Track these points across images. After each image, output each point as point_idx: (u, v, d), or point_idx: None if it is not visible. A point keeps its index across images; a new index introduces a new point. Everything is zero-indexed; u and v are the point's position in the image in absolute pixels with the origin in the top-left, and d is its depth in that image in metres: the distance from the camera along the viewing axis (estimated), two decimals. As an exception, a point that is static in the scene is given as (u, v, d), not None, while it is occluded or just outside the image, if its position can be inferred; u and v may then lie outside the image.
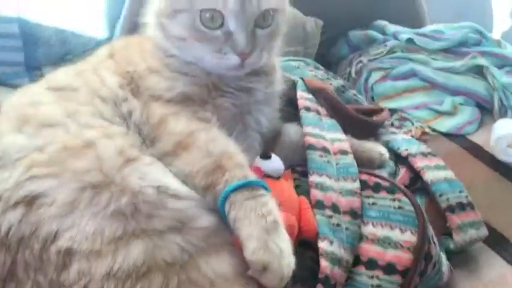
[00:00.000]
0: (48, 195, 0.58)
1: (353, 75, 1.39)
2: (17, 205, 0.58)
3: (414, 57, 1.40)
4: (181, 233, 0.60)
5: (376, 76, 1.36)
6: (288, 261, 0.59)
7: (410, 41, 1.43)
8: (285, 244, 0.60)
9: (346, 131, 0.94)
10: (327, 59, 1.53)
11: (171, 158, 0.68)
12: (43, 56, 1.14)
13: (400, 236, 0.72)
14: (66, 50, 1.13)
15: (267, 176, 0.71)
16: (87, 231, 0.57)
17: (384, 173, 0.90)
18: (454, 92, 1.34)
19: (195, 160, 0.66)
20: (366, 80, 1.36)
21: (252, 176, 0.66)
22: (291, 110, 0.97)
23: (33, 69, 1.13)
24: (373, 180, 0.80)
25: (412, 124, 1.26)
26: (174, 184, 0.64)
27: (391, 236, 0.72)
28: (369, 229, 0.74)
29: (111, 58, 0.81)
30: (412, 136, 1.18)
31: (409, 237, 0.72)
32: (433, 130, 1.25)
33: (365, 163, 0.88)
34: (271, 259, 0.58)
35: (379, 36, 1.47)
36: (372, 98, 1.34)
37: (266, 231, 0.59)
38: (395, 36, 1.46)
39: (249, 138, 0.83)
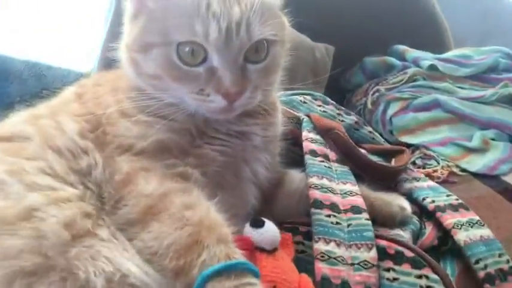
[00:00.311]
0: None
1: (369, 106, 1.25)
2: None
3: (437, 85, 1.27)
4: None
5: (395, 107, 1.22)
6: None
7: (433, 67, 1.30)
8: None
9: (360, 178, 0.80)
10: (341, 87, 1.39)
11: (137, 228, 0.54)
12: (16, 91, 1.03)
13: (429, 326, 0.57)
14: (42, 85, 1.02)
15: (259, 248, 0.57)
16: None
17: (407, 232, 0.75)
18: (484, 125, 1.21)
19: (166, 232, 0.52)
20: (384, 111, 1.23)
21: (238, 254, 0.52)
22: (296, 151, 0.84)
23: (6, 107, 1.02)
24: (394, 248, 0.65)
25: (438, 163, 1.11)
26: (135, 270, 0.50)
27: (418, 324, 0.57)
28: (389, 313, 0.59)
29: (79, 99, 0.69)
30: (438, 178, 1.04)
31: (441, 327, 0.56)
32: (462, 170, 1.10)
33: (384, 220, 0.74)
34: None
35: (398, 62, 1.34)
36: (391, 132, 1.20)
37: None
38: (416, 62, 1.32)
39: (243, 192, 0.70)
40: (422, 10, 1.48)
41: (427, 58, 1.31)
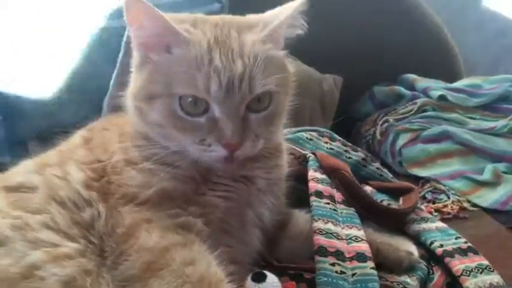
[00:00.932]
0: None
1: (378, 136, 1.24)
2: None
3: (448, 116, 1.25)
4: None
5: (404, 138, 1.21)
6: None
7: (442, 97, 1.28)
8: None
9: (366, 219, 0.79)
10: (349, 116, 1.38)
11: (137, 285, 0.54)
12: (26, 130, 1.04)
13: None
14: (52, 123, 1.03)
15: None
16: None
17: (414, 279, 0.73)
18: (496, 157, 1.18)
19: None
20: (393, 142, 1.22)
21: None
22: (302, 189, 0.83)
23: (16, 145, 1.03)
24: (399, 299, 0.64)
25: (448, 198, 1.09)
26: None
27: None
28: None
29: (86, 144, 0.69)
30: (448, 213, 1.02)
31: None
32: (473, 205, 1.08)
33: (391, 265, 0.73)
34: None
35: (407, 92, 1.33)
36: (400, 164, 1.19)
37: None
38: (425, 92, 1.31)
39: (248, 237, 0.69)
40: (432, 38, 1.47)
41: (436, 88, 1.30)
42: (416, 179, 1.15)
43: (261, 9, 0.69)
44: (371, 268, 0.67)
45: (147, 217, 0.59)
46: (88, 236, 0.57)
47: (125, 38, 1.00)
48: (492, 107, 1.31)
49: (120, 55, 0.97)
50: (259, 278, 0.58)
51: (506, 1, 1.90)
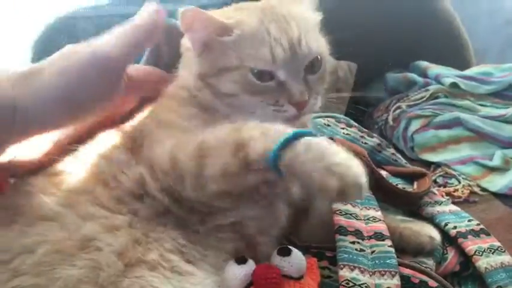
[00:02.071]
0: None
1: (390, 122, 1.27)
2: None
3: (459, 103, 1.27)
4: None
5: (416, 124, 1.23)
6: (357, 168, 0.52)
7: (454, 85, 1.30)
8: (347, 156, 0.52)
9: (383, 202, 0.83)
10: (363, 102, 1.41)
11: (200, 180, 0.58)
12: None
13: None
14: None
15: (286, 276, 0.60)
16: None
17: (430, 259, 0.77)
18: (506, 144, 1.21)
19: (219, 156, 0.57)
20: (406, 128, 1.24)
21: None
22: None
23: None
24: (418, 277, 0.68)
25: (459, 182, 1.12)
26: None
27: None
28: None
29: None
30: (459, 197, 1.06)
31: None
32: (483, 189, 1.11)
33: (413, 250, 0.76)
34: (342, 171, 0.50)
35: (420, 79, 1.35)
36: (412, 149, 1.22)
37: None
38: (437, 79, 1.33)
39: (276, 209, 0.73)
40: (442, 25, 1.49)
41: (448, 75, 1.32)
42: (428, 164, 1.18)
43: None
44: (389, 246, 0.71)
45: (179, 136, 0.64)
46: (134, 208, 0.61)
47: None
48: (502, 94, 1.33)
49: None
50: (285, 252, 0.61)
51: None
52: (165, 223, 0.62)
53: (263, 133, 0.56)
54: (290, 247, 0.62)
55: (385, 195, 0.86)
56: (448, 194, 1.08)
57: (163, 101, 0.73)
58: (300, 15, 0.69)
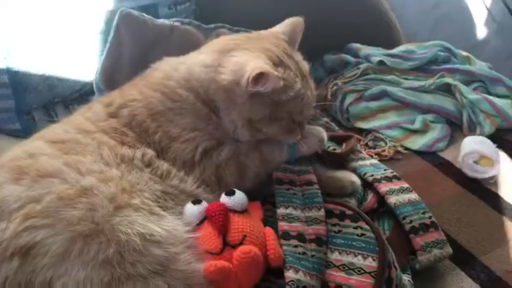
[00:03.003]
0: (42, 246, 0.65)
1: (329, 97, 1.45)
2: (13, 256, 0.64)
3: (385, 78, 1.46)
4: (163, 276, 0.67)
5: (350, 98, 1.42)
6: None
7: (381, 62, 1.50)
8: None
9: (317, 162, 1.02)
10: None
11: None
12: (32, 101, 1.20)
13: (363, 262, 0.78)
14: (54, 94, 1.20)
15: (232, 210, 0.78)
16: (77, 279, 0.64)
17: (353, 199, 0.97)
18: (425, 110, 1.40)
19: None
20: (342, 102, 1.43)
21: None
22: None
23: (24, 114, 1.20)
24: (338, 209, 0.87)
25: (386, 144, 1.32)
26: (158, 230, 0.71)
27: (355, 262, 0.79)
28: (334, 256, 0.81)
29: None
30: (385, 156, 1.26)
31: (370, 262, 0.78)
32: (406, 149, 1.31)
33: (338, 192, 0.96)
34: None
35: (352, 59, 1.54)
36: (348, 119, 1.41)
37: None
38: (367, 58, 1.52)
39: None
40: (371, 10, 1.67)
41: (376, 55, 1.51)
42: (361, 131, 1.37)
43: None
44: (316, 189, 0.90)
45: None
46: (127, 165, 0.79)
47: (115, 22, 1.17)
48: (423, 68, 1.52)
49: (111, 36, 1.13)
50: (230, 192, 0.80)
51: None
52: (149, 179, 0.80)
53: None
54: (234, 189, 0.80)
55: (318, 157, 1.05)
56: (377, 153, 1.28)
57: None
58: (307, 69, 0.94)
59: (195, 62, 0.92)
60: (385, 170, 1.06)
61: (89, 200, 0.70)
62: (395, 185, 1.01)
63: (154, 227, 0.70)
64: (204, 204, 0.77)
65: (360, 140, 1.32)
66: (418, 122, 1.36)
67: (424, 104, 1.40)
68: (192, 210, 0.76)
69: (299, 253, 0.77)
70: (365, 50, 1.55)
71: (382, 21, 1.69)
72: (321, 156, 1.03)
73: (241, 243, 0.72)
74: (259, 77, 0.80)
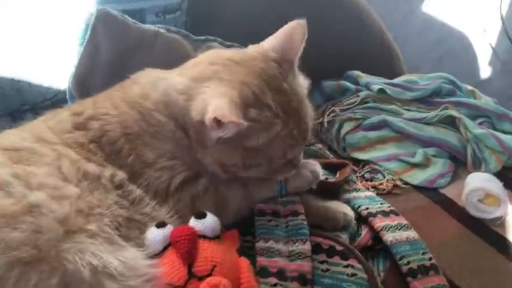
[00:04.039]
0: None
1: (325, 125, 1.37)
2: None
3: (386, 107, 1.39)
4: None
5: (347, 126, 1.34)
6: None
7: (381, 91, 1.42)
8: None
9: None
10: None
11: None
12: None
13: (353, 307, 0.68)
14: (23, 100, 1.11)
15: (202, 236, 0.67)
16: None
17: (344, 234, 0.87)
18: (427, 143, 1.31)
19: None
20: (338, 130, 1.34)
21: None
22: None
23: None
24: (327, 243, 0.77)
25: (384, 177, 1.23)
26: (113, 261, 0.61)
27: (344, 307, 0.68)
28: (321, 298, 0.70)
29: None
30: (383, 190, 1.16)
31: (362, 308, 0.67)
32: (405, 183, 1.22)
33: (329, 224, 0.86)
34: None
35: (352, 86, 1.47)
36: (344, 149, 1.32)
37: None
38: (367, 86, 1.45)
39: None
40: (373, 38, 1.62)
41: (377, 83, 1.44)
42: (357, 162, 1.29)
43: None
44: (301, 219, 0.81)
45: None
46: (89, 184, 0.69)
47: (91, 22, 1.09)
48: (426, 100, 1.45)
49: (87, 38, 1.05)
50: (201, 215, 0.69)
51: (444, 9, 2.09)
52: (114, 203, 0.70)
53: None
54: (206, 212, 0.70)
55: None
56: (374, 187, 1.18)
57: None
58: (303, 95, 0.82)
59: (172, 84, 0.81)
60: (381, 203, 0.97)
61: (34, 220, 0.60)
62: (393, 221, 0.91)
63: (110, 258, 0.61)
64: (170, 228, 0.67)
65: (355, 172, 1.23)
66: (419, 155, 1.27)
67: (426, 136, 1.32)
68: (154, 234, 0.66)
69: (278, 293, 0.67)
70: (365, 78, 1.48)
71: (385, 49, 1.63)
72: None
73: (209, 275, 0.62)
74: (217, 121, 0.70)
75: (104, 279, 0.58)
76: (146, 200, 0.74)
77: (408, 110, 1.41)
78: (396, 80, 1.50)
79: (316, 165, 0.90)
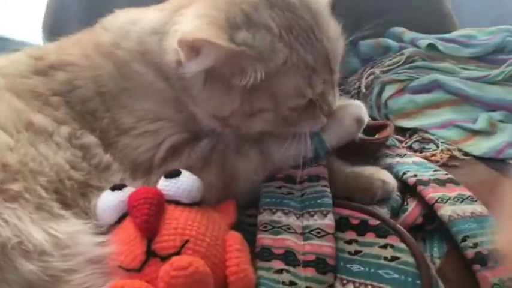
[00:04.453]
0: None
1: (363, 90, 1.15)
2: None
3: (438, 66, 1.15)
4: None
5: (390, 90, 1.11)
6: None
7: (432, 46, 1.18)
8: None
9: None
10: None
11: None
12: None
13: (394, 305, 0.46)
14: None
15: (173, 201, 0.48)
16: None
17: (384, 208, 0.65)
18: (492, 106, 1.07)
19: None
20: (379, 94, 1.12)
21: None
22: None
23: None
24: (358, 216, 0.55)
25: (437, 147, 0.99)
26: (39, 236, 0.44)
27: (380, 305, 0.47)
28: (348, 292, 0.49)
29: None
30: (437, 162, 0.92)
31: (407, 306, 0.46)
32: (465, 154, 0.98)
33: (362, 196, 0.64)
34: None
35: (395, 43, 1.23)
36: (386, 116, 1.09)
37: None
38: (413, 42, 1.21)
39: None
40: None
41: (426, 38, 1.20)
42: (403, 131, 1.06)
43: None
44: (323, 186, 0.60)
45: None
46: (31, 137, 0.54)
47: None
48: (488, 58, 1.20)
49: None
50: (172, 174, 0.51)
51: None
52: (66, 162, 0.54)
53: None
54: (180, 169, 0.50)
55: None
56: (424, 158, 0.95)
57: None
58: (320, 8, 0.61)
59: (145, 28, 0.64)
60: (435, 170, 0.74)
61: None
62: (451, 191, 0.68)
63: (33, 229, 0.45)
64: (129, 191, 0.48)
65: (401, 142, 1.00)
66: (482, 120, 1.03)
67: (490, 98, 1.08)
68: (106, 200, 0.47)
69: (284, 283, 0.46)
70: (411, 34, 1.24)
71: (432, 7, 1.37)
72: (342, 147, 0.72)
73: (178, 253, 0.42)
74: (194, 48, 0.52)
75: (16, 257, 0.42)
76: (114, 168, 0.57)
77: (465, 69, 1.17)
78: (450, 35, 1.25)
79: (361, 109, 0.71)
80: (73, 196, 0.51)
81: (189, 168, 0.57)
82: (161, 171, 0.57)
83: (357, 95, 1.17)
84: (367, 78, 1.16)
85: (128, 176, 0.59)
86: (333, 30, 0.62)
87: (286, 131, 0.63)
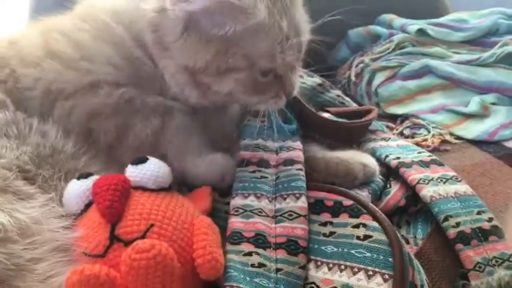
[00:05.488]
0: None
1: (353, 78, 1.14)
2: None
3: (428, 51, 1.13)
4: None
5: (381, 77, 1.10)
6: None
7: (422, 31, 1.17)
8: None
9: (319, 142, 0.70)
10: (328, 66, 1.28)
11: None
12: None
13: (366, 284, 0.46)
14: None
15: (139, 187, 0.48)
16: None
17: (365, 191, 0.64)
18: (483, 89, 1.06)
19: None
20: (369, 82, 1.11)
21: None
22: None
23: None
24: (332, 198, 0.55)
25: (429, 132, 0.98)
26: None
27: (353, 285, 0.46)
28: (320, 273, 0.48)
29: None
30: (428, 147, 0.91)
31: (380, 285, 0.45)
32: (457, 138, 0.97)
33: (343, 180, 0.63)
34: None
35: (384, 30, 1.21)
36: (377, 104, 1.08)
37: None
38: (403, 28, 1.20)
39: None
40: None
41: (415, 23, 1.19)
42: (394, 118, 1.05)
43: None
44: (297, 170, 0.59)
45: None
46: None
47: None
48: (481, 42, 1.18)
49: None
50: (139, 160, 0.50)
51: None
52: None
53: None
54: (148, 156, 0.50)
55: (317, 132, 0.73)
56: (416, 144, 0.94)
57: None
58: (302, 10, 0.63)
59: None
60: (419, 152, 0.73)
61: None
62: (435, 173, 0.67)
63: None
64: (94, 178, 0.48)
65: (392, 129, 0.99)
66: (474, 103, 1.02)
67: (482, 81, 1.06)
68: (73, 188, 0.47)
69: (253, 265, 0.46)
70: (400, 20, 1.22)
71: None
72: (321, 130, 0.71)
73: (142, 238, 0.42)
74: None
75: None
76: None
77: (457, 53, 1.15)
78: (440, 20, 1.23)
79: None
80: (44, 172, 0.50)
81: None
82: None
83: (347, 84, 1.16)
84: (356, 66, 1.15)
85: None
86: (303, 15, 0.62)
87: (250, 100, 0.63)
